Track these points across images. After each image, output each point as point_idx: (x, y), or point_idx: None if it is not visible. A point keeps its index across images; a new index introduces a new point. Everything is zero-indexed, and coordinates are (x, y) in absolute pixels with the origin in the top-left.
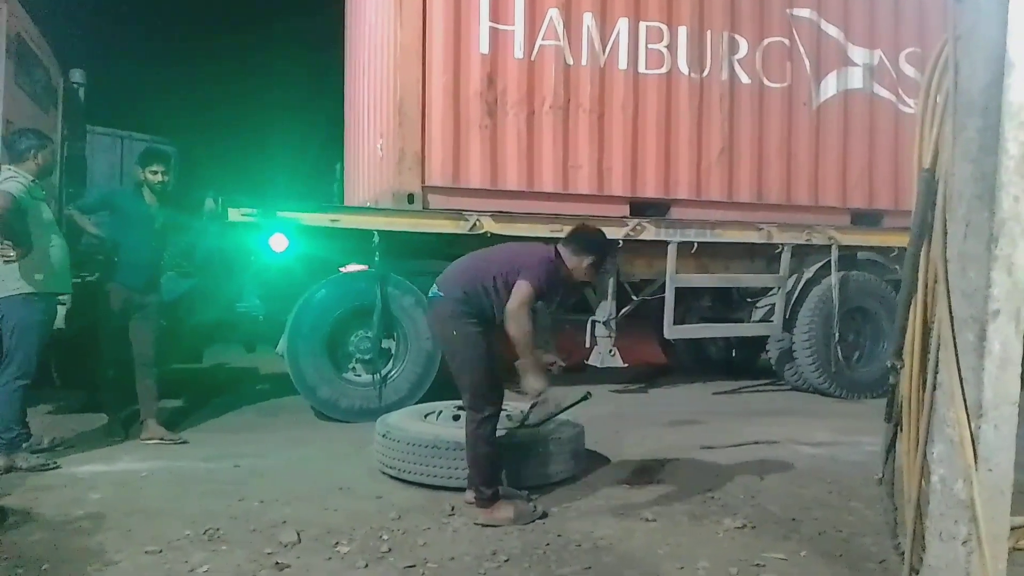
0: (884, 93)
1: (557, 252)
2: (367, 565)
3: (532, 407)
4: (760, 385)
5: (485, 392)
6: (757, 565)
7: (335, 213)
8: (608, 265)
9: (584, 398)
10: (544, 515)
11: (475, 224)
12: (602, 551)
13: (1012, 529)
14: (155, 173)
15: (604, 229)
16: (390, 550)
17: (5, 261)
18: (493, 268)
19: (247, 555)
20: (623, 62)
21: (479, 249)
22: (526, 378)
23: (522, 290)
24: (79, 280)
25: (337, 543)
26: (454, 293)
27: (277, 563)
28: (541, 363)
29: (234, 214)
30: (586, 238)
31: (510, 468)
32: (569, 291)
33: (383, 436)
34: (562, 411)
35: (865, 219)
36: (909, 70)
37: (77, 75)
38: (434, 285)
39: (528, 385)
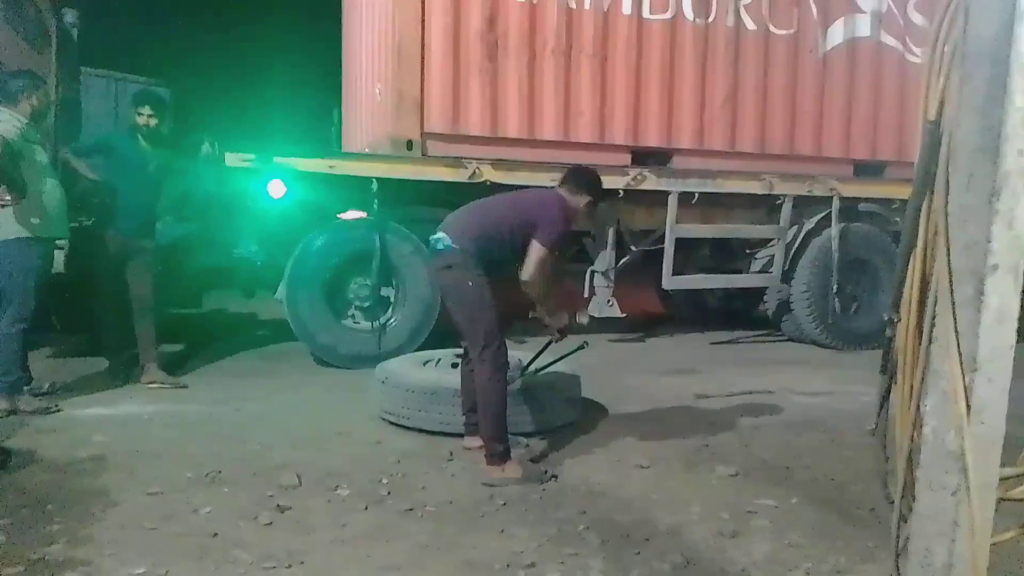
0: (891, 42)
1: (561, 197)
2: (367, 508)
3: (547, 345)
4: (757, 336)
5: (499, 339)
6: (748, 512)
7: (332, 159)
8: (604, 210)
9: (580, 347)
10: (553, 477)
11: (475, 172)
12: (597, 496)
13: (1001, 479)
14: (146, 116)
15: (605, 179)
16: (389, 493)
17: (1, 206)
18: (507, 220)
19: (249, 497)
20: (627, 6)
21: (483, 198)
22: (552, 318)
23: (538, 253)
24: (77, 225)
25: (337, 486)
26: (465, 244)
27: (278, 505)
28: (554, 306)
29: (232, 159)
30: (583, 177)
31: (509, 415)
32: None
33: (383, 382)
34: (559, 360)
35: (868, 170)
36: (917, 18)
37: (70, 15)
38: (438, 234)
39: (554, 323)
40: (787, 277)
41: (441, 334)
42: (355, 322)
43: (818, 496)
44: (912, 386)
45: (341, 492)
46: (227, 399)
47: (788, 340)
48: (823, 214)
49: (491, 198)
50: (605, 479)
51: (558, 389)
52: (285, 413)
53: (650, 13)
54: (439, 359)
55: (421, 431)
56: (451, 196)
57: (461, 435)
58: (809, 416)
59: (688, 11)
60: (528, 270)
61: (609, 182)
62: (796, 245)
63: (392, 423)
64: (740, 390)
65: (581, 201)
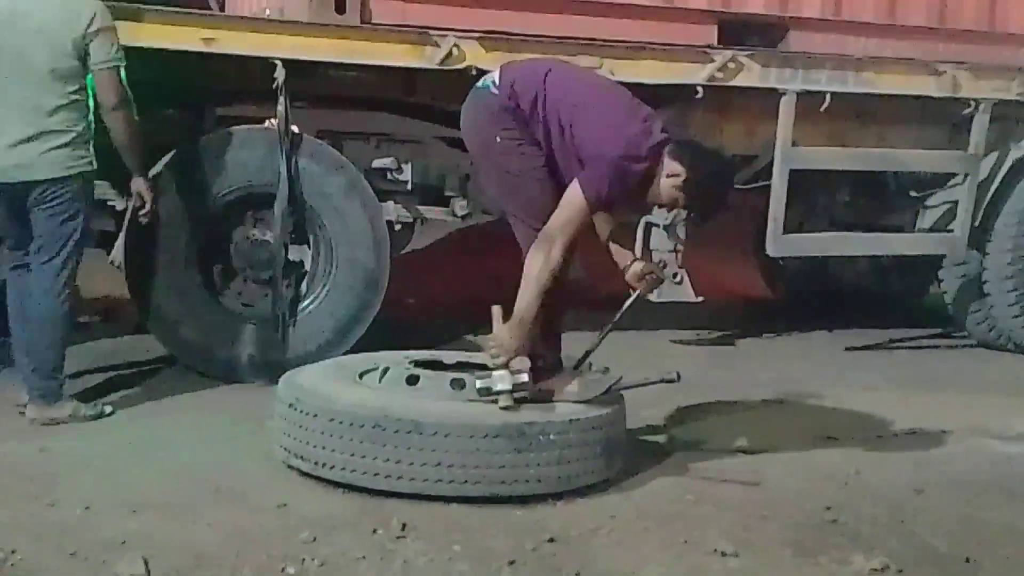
0: None
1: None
2: None
3: (619, 314)
4: (925, 338)
5: (549, 213)
6: None
7: (209, 26)
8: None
9: (667, 380)
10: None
11: (451, 52)
12: None
13: None
14: None
15: (674, 66)
16: None
17: None
18: (559, 92)
19: None
20: None
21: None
22: (499, 325)
23: (572, 203)
24: None
25: None
26: (504, 87)
27: None
28: (526, 323)
29: None
30: (695, 149)
31: (498, 466)
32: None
33: (291, 407)
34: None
35: None
36: None
37: None
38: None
39: (495, 337)
40: (979, 239)
41: (389, 325)
42: (245, 304)
43: None
44: None
45: None
46: (27, 432)
47: (978, 346)
48: None
49: (594, 73)
50: (663, 572)
51: (586, 426)
52: (125, 456)
53: None
54: (385, 368)
55: (352, 488)
56: (410, 92)
57: (418, 496)
58: (1011, 474)
59: None
60: (549, 227)
61: (683, 73)
62: (996, 186)
63: (305, 474)
64: (894, 429)
65: (670, 169)
